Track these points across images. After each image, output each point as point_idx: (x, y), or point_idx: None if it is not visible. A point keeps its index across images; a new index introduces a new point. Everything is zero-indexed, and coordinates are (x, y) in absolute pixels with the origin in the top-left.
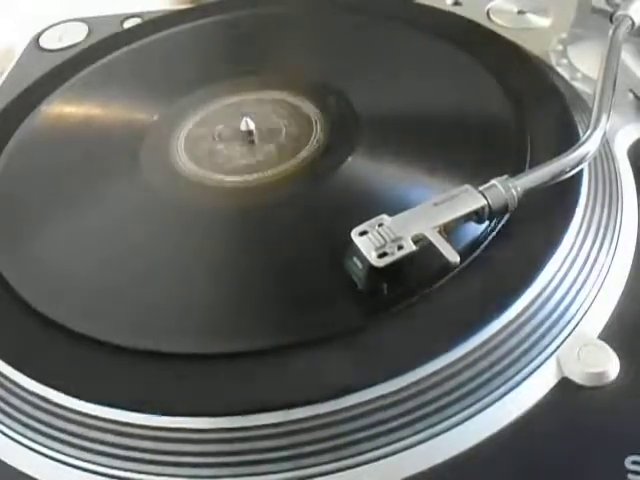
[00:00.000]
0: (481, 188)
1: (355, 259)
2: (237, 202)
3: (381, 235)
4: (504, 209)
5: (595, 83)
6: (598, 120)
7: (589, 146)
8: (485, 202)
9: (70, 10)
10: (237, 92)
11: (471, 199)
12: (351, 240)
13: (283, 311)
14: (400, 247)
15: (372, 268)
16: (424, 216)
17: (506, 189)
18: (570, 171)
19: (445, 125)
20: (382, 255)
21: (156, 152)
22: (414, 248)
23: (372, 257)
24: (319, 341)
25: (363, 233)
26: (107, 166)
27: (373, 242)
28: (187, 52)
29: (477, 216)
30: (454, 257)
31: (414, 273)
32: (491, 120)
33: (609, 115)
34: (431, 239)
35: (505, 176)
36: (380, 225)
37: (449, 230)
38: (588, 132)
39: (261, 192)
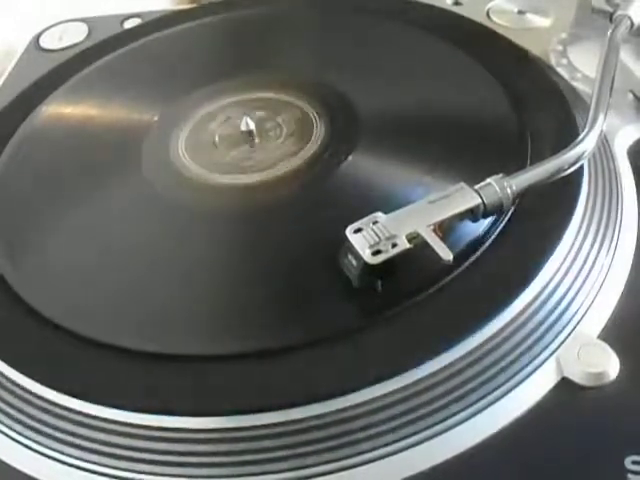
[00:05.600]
0: (476, 187)
1: (350, 257)
2: (237, 202)
3: (375, 233)
4: (499, 208)
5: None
6: (595, 119)
7: (586, 145)
8: (480, 200)
9: (70, 10)
10: (237, 92)
11: (466, 197)
12: (346, 237)
13: (282, 311)
14: (394, 245)
15: (367, 266)
16: (419, 214)
17: (501, 188)
18: (567, 170)
19: (445, 125)
20: (376, 253)
21: (157, 152)
22: (408, 246)
23: (366, 254)
24: (318, 341)
25: (358, 230)
26: (108, 166)
27: (367, 239)
28: (187, 52)
29: (472, 214)
30: (447, 255)
31: (413, 272)
32: (491, 120)
33: (606, 114)
34: (425, 237)
35: (500, 175)
36: (375, 223)
37: (444, 228)
38: (585, 131)
39: (261, 192)
